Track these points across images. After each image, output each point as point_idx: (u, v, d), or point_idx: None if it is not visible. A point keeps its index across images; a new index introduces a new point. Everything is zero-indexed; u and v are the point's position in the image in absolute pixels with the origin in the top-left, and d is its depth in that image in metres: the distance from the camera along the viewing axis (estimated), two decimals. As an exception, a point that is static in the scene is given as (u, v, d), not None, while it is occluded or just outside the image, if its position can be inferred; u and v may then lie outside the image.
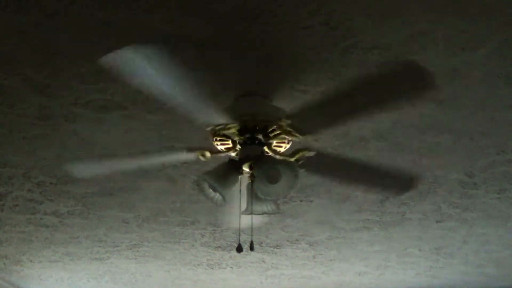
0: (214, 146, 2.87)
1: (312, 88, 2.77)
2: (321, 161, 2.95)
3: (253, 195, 2.85)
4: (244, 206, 3.00)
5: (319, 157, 2.92)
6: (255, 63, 2.59)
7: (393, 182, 3.12)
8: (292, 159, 2.85)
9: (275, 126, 2.76)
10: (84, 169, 3.11)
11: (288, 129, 2.75)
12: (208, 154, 2.86)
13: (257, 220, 3.56)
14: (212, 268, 5.51)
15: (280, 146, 2.86)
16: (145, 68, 2.26)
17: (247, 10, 2.28)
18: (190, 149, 2.89)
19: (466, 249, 5.00)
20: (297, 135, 2.77)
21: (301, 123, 2.70)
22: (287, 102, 2.85)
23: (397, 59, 2.57)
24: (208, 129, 2.80)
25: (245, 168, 2.82)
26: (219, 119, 2.72)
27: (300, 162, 2.87)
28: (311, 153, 2.86)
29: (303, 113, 2.67)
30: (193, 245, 4.90)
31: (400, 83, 2.43)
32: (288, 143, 2.85)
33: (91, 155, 3.39)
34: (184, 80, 2.38)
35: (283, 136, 2.80)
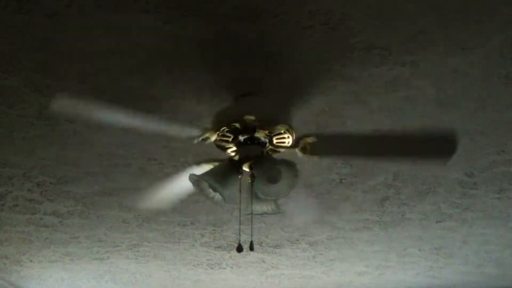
0: (215, 146, 2.87)
1: (312, 88, 2.77)
2: (329, 143, 2.85)
3: (253, 195, 2.84)
4: (244, 206, 2.99)
5: (327, 140, 2.84)
6: (255, 63, 2.59)
7: (431, 146, 2.79)
8: (298, 149, 2.82)
9: (275, 126, 2.76)
10: (66, 105, 2.83)
11: (288, 128, 2.75)
12: (213, 137, 2.81)
13: (257, 220, 3.56)
14: (212, 268, 5.51)
15: (283, 142, 2.85)
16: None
17: (247, 10, 2.28)
18: (199, 163, 2.87)
19: (466, 249, 5.00)
20: (297, 134, 2.77)
21: (300, 122, 2.69)
22: (287, 102, 2.85)
23: (399, 61, 2.57)
24: (208, 128, 2.79)
25: (245, 168, 2.81)
26: (220, 118, 2.72)
27: (308, 151, 2.81)
28: (314, 139, 2.80)
29: (302, 114, 2.66)
30: (193, 245, 4.90)
31: (425, 149, 2.42)
32: (288, 143, 2.85)
33: (93, 160, 3.39)
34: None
35: (283, 136, 2.79)
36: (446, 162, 2.86)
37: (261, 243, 4.81)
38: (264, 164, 2.70)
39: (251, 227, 3.60)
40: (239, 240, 3.64)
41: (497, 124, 3.10)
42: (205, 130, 2.79)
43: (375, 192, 3.89)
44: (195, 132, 2.80)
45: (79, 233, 4.62)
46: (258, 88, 2.77)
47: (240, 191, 3.02)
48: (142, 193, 3.91)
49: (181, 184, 3.19)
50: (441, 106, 2.94)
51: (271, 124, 2.76)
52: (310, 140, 2.80)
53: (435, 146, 2.74)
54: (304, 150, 2.82)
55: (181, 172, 3.06)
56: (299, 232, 4.62)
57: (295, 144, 2.83)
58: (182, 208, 4.16)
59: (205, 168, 2.88)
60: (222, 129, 2.77)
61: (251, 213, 2.91)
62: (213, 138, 2.81)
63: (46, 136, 3.21)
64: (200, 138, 2.81)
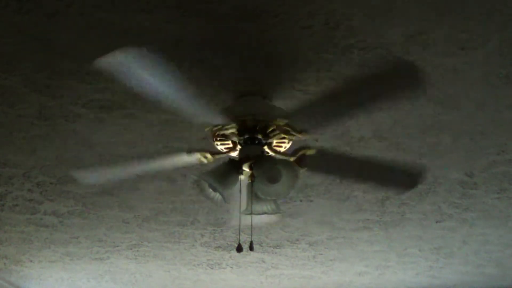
0: (214, 146, 2.87)
1: (312, 88, 2.77)
2: (323, 159, 2.93)
3: (253, 195, 2.84)
4: (244, 206, 3.00)
5: (321, 156, 2.91)
6: (255, 63, 2.59)
7: (397, 179, 3.08)
8: (292, 159, 2.84)
9: (275, 126, 2.76)
10: (87, 175, 3.10)
11: (288, 128, 2.75)
12: (209, 156, 2.86)
13: (257, 220, 3.56)
14: (212, 268, 5.51)
15: (280, 146, 2.86)
16: (142, 70, 2.26)
17: (247, 10, 2.28)
18: (191, 151, 2.88)
19: (466, 249, 5.00)
20: (296, 134, 2.77)
21: (300, 122, 2.70)
22: (287, 102, 2.85)
23: (393, 59, 2.57)
24: (207, 129, 2.80)
25: (245, 168, 2.81)
26: (221, 118, 2.72)
27: (302, 162, 2.85)
28: (312, 152, 2.85)
29: (301, 112, 2.67)
30: (193, 245, 4.90)
31: (395, 81, 2.43)
32: (288, 142, 2.85)
33: (93, 160, 3.40)
34: (182, 81, 2.38)
35: (283, 136, 2.80)
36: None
37: (261, 243, 4.81)
38: (264, 164, 2.70)
39: (251, 227, 3.60)
40: (239, 240, 3.66)
41: (497, 124, 3.10)
42: (199, 152, 2.85)
43: (375, 192, 3.89)
44: (192, 158, 2.87)
45: (79, 233, 4.62)
46: (258, 88, 2.77)
47: (240, 191, 3.02)
48: (142, 193, 3.92)
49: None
50: (441, 106, 2.94)
51: (270, 123, 2.76)
52: (309, 152, 2.83)
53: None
54: (298, 160, 2.84)
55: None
56: (299, 232, 4.62)
57: (292, 153, 2.84)
58: (182, 208, 4.16)
59: (196, 157, 2.88)
60: (222, 129, 2.77)
61: (251, 213, 2.91)
62: (209, 156, 2.86)
63: (46, 136, 3.21)
64: (201, 159, 2.87)
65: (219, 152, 2.88)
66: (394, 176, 3.03)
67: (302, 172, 2.84)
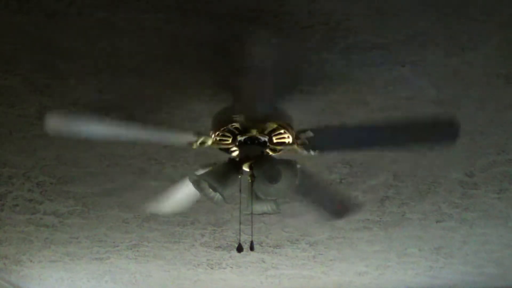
0: (214, 146, 2.87)
1: (312, 88, 2.77)
2: (337, 133, 2.81)
3: (253, 195, 2.84)
4: (244, 206, 2.99)
5: (335, 132, 2.82)
6: (255, 63, 2.58)
7: (432, 133, 2.75)
8: (297, 146, 2.81)
9: (275, 126, 2.76)
10: (60, 124, 2.85)
11: (288, 129, 2.75)
12: (209, 141, 2.81)
13: (257, 220, 3.56)
14: (212, 268, 5.51)
15: (280, 146, 2.85)
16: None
17: (247, 10, 2.28)
18: (199, 133, 2.83)
19: (466, 249, 5.00)
20: (297, 138, 2.77)
21: (313, 139, 2.69)
22: (287, 102, 2.85)
23: (399, 61, 2.57)
24: (209, 128, 2.80)
25: (245, 168, 2.81)
26: (221, 118, 2.72)
27: (309, 146, 2.77)
28: (310, 134, 2.79)
29: (317, 131, 2.66)
30: (193, 245, 4.90)
31: (426, 134, 2.41)
32: (288, 143, 2.85)
33: (93, 160, 3.40)
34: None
35: (283, 136, 2.79)
36: (450, 146, 2.82)
37: (261, 243, 4.81)
38: (264, 164, 2.70)
39: (251, 227, 3.60)
40: (239, 240, 3.66)
41: (497, 124, 3.10)
42: (201, 134, 2.80)
43: (375, 192, 3.89)
44: (191, 138, 2.80)
45: (79, 233, 4.62)
46: (258, 88, 2.77)
47: (240, 191, 3.02)
48: (142, 193, 3.91)
49: (186, 190, 3.19)
50: (441, 106, 2.94)
51: (270, 123, 2.76)
52: (307, 134, 2.79)
53: (437, 132, 2.69)
54: (303, 145, 2.81)
55: (184, 176, 3.04)
56: (299, 232, 4.62)
57: (294, 141, 2.82)
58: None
59: (197, 138, 2.83)
60: (221, 129, 2.77)
61: (251, 213, 2.91)
62: (210, 142, 2.81)
63: (46, 136, 3.21)
64: (198, 143, 2.82)
65: (220, 142, 2.84)
66: (427, 131, 2.72)
67: (315, 154, 2.78)
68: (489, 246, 4.94)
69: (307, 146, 2.81)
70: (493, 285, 6.08)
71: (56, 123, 2.67)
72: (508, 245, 4.92)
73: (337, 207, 3.01)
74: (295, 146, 2.82)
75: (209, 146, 2.84)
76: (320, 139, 2.75)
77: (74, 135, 3.07)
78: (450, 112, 2.69)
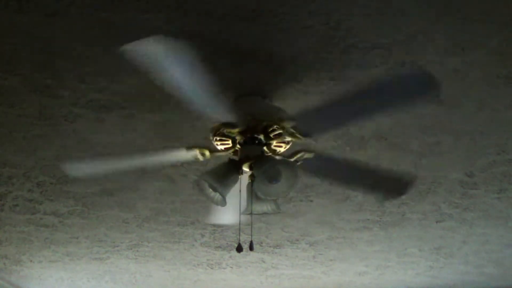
0: (214, 146, 2.87)
1: (312, 88, 2.77)
2: (320, 162, 2.94)
3: (253, 195, 2.84)
4: (244, 206, 3.00)
5: (318, 159, 2.91)
6: (255, 63, 2.59)
7: (392, 184, 3.10)
8: (292, 160, 2.85)
9: (275, 126, 2.76)
10: (81, 168, 3.09)
11: (288, 129, 2.75)
12: (207, 153, 2.86)
13: (257, 220, 3.56)
14: (212, 268, 5.51)
15: (280, 146, 2.86)
16: (167, 61, 2.24)
17: (247, 10, 2.28)
18: (190, 147, 2.88)
19: (466, 249, 5.00)
20: (297, 135, 2.77)
21: (302, 125, 2.70)
22: (287, 102, 2.86)
23: (397, 61, 2.57)
24: (209, 128, 2.80)
25: (245, 168, 2.81)
26: (221, 118, 2.72)
27: (299, 163, 2.86)
28: (311, 155, 2.86)
29: (304, 116, 2.67)
30: (193, 245, 4.90)
31: (404, 87, 2.43)
32: (288, 143, 2.85)
33: (89, 154, 3.40)
34: (198, 77, 2.37)
35: (283, 136, 2.80)
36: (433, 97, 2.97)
37: (261, 243, 4.81)
38: (264, 164, 2.70)
39: (251, 227, 3.60)
40: (239, 240, 3.65)
41: (497, 124, 3.11)
42: (199, 147, 2.84)
43: (372, 196, 3.89)
44: (190, 155, 2.86)
45: (79, 233, 4.62)
46: (258, 88, 2.77)
47: (240, 191, 3.02)
48: (142, 193, 3.92)
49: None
50: (441, 106, 2.94)
51: (270, 123, 2.76)
52: (307, 155, 2.83)
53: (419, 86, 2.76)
54: (298, 135, 2.83)
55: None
56: (299, 232, 4.62)
57: (290, 155, 2.85)
58: (182, 208, 4.16)
59: (195, 153, 2.88)
60: (221, 129, 2.77)
61: (251, 213, 2.91)
62: (207, 153, 2.85)
63: (46, 136, 3.21)
64: (201, 155, 2.86)
65: (218, 151, 2.88)
66: (385, 183, 3.06)
67: (314, 141, 2.82)
68: (489, 246, 4.94)
69: (299, 163, 2.85)
70: (493, 285, 6.08)
71: (75, 167, 2.89)
72: (508, 245, 4.92)
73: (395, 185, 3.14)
74: (294, 139, 2.83)
75: (211, 156, 2.87)
76: (310, 124, 2.75)
77: (76, 134, 3.11)
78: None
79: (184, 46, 2.18)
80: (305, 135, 2.77)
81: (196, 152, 2.88)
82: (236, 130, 2.77)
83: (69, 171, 3.10)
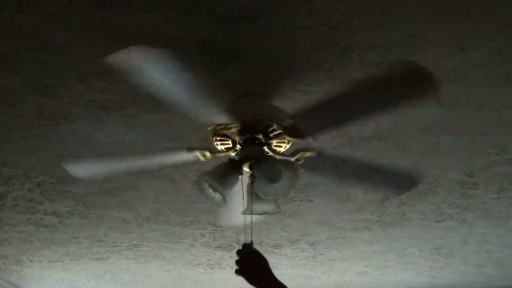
0: (214, 146, 2.87)
1: (312, 88, 2.77)
2: (321, 161, 2.94)
3: (253, 195, 2.84)
4: (244, 206, 3.00)
5: (319, 157, 2.91)
6: (255, 63, 2.59)
7: (393, 182, 3.10)
8: (292, 159, 2.85)
9: (275, 126, 2.77)
10: (82, 169, 3.11)
11: (289, 129, 2.75)
12: (208, 153, 2.86)
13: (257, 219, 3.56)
14: (212, 268, 5.51)
15: (280, 146, 2.86)
16: (152, 68, 2.26)
17: (247, 10, 2.28)
18: (190, 149, 2.89)
19: (466, 249, 5.00)
20: (297, 137, 2.77)
21: (301, 125, 2.70)
22: (287, 102, 2.85)
23: (397, 60, 2.57)
24: (210, 128, 2.80)
25: (245, 168, 2.81)
26: (221, 118, 2.72)
27: (299, 162, 2.86)
28: (311, 154, 2.86)
29: (303, 115, 2.67)
30: (193, 245, 4.90)
31: (401, 85, 2.43)
32: (288, 143, 2.85)
33: (90, 154, 3.40)
34: (189, 79, 2.38)
35: (283, 136, 2.80)
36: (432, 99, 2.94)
37: (261, 243, 4.81)
38: (264, 164, 2.70)
39: (251, 227, 3.60)
40: (249, 240, 3.66)
41: (497, 124, 3.10)
42: (199, 148, 2.85)
43: (375, 192, 3.89)
44: (190, 156, 2.87)
45: (79, 233, 4.62)
46: (258, 88, 2.77)
47: (241, 191, 3.02)
48: (142, 193, 3.92)
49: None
50: (441, 106, 2.94)
51: (270, 123, 2.76)
52: (308, 154, 2.84)
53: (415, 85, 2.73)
54: (298, 161, 2.86)
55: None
56: (299, 232, 4.62)
57: (291, 154, 2.85)
58: (182, 208, 4.16)
59: (195, 154, 2.89)
60: (221, 129, 2.77)
61: (251, 213, 2.91)
62: (208, 153, 2.85)
63: (46, 136, 3.21)
64: (201, 155, 2.87)
65: (219, 151, 2.88)
66: (392, 178, 3.04)
67: (300, 172, 2.85)
68: (489, 246, 4.94)
69: (300, 163, 2.85)
70: (493, 285, 6.08)
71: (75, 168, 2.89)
72: (508, 245, 4.92)
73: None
74: (293, 139, 2.84)
75: (211, 156, 2.87)
76: (309, 123, 2.75)
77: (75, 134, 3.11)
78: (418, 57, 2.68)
79: (169, 52, 2.20)
80: (303, 135, 2.78)
81: (196, 153, 2.88)
82: (236, 130, 2.77)
83: (69, 171, 3.11)
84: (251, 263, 2.59)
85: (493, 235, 4.67)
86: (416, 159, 3.46)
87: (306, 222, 4.42)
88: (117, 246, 4.93)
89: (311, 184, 3.78)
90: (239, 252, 2.61)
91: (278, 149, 2.86)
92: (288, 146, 2.87)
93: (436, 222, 4.40)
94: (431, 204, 4.08)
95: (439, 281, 5.96)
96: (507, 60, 2.60)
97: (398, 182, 3.13)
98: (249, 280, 2.58)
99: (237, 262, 2.60)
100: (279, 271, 5.60)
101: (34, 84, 2.76)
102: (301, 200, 4.03)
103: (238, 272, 2.60)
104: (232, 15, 2.30)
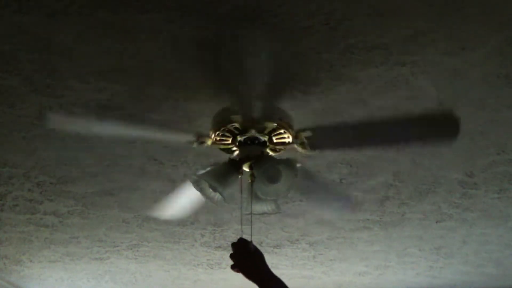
0: (214, 145, 2.87)
1: (312, 88, 2.77)
2: (339, 134, 2.81)
3: (253, 195, 2.85)
4: (244, 206, 3.00)
5: (334, 130, 2.82)
6: (255, 63, 2.59)
7: (431, 130, 2.75)
8: (297, 146, 2.82)
9: (274, 126, 2.76)
10: (62, 123, 2.95)
11: (287, 128, 2.75)
12: (209, 142, 2.83)
13: (257, 220, 3.57)
14: (212, 268, 5.51)
15: (280, 146, 2.85)
16: None
17: (247, 10, 2.28)
18: (190, 143, 2.85)
19: (466, 249, 5.00)
20: (306, 147, 2.77)
21: (315, 138, 2.69)
22: (287, 102, 2.85)
23: (400, 61, 2.57)
24: (210, 128, 2.80)
25: (245, 168, 2.82)
26: (221, 118, 2.72)
27: (299, 165, 2.83)
28: (309, 133, 2.80)
29: (319, 130, 2.66)
30: (193, 245, 4.90)
31: (427, 130, 2.41)
32: (288, 143, 2.85)
33: (93, 161, 3.40)
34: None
35: (283, 136, 2.80)
36: (451, 143, 2.87)
37: (261, 243, 4.81)
38: (264, 164, 2.70)
39: (251, 227, 3.60)
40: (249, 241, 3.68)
41: (497, 124, 3.10)
42: (200, 134, 2.81)
43: (375, 192, 3.89)
44: (191, 137, 2.83)
45: (79, 233, 4.62)
46: (257, 88, 2.77)
47: (241, 191, 3.02)
48: (142, 193, 3.91)
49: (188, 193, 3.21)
50: (441, 106, 2.94)
51: (269, 123, 2.76)
52: (306, 134, 2.80)
53: (437, 129, 2.69)
54: (302, 145, 2.82)
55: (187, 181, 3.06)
56: (299, 232, 4.62)
57: (293, 141, 2.83)
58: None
59: (195, 153, 2.87)
60: (221, 129, 2.77)
61: (251, 213, 2.91)
62: (209, 142, 2.82)
63: (46, 136, 3.21)
64: (197, 143, 2.84)
65: (218, 150, 2.86)
66: (425, 130, 2.73)
67: (315, 153, 2.80)
68: (489, 246, 4.94)
69: (306, 145, 2.82)
70: (493, 285, 6.08)
71: (58, 122, 2.72)
72: (508, 245, 4.92)
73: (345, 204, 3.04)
74: (295, 146, 2.83)
75: (209, 146, 2.85)
76: (320, 138, 2.75)
77: (75, 133, 3.09)
78: (449, 108, 2.68)
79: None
80: (313, 147, 2.76)
81: (195, 149, 2.87)
82: (236, 130, 2.77)
83: (47, 122, 2.94)
84: (246, 256, 2.58)
85: (493, 235, 4.67)
86: (416, 159, 3.46)
87: (306, 222, 4.42)
88: (117, 246, 4.93)
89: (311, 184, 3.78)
90: (233, 245, 2.61)
91: (278, 147, 2.85)
92: (288, 146, 2.86)
93: (436, 222, 4.40)
94: (431, 204, 4.08)
95: (439, 281, 5.96)
96: (507, 60, 2.60)
97: (437, 128, 2.74)
98: (244, 272, 2.57)
99: (231, 255, 2.60)
100: (279, 271, 5.59)
101: (34, 84, 2.76)
102: (301, 200, 4.03)
103: (233, 266, 2.60)
104: (232, 15, 2.30)
